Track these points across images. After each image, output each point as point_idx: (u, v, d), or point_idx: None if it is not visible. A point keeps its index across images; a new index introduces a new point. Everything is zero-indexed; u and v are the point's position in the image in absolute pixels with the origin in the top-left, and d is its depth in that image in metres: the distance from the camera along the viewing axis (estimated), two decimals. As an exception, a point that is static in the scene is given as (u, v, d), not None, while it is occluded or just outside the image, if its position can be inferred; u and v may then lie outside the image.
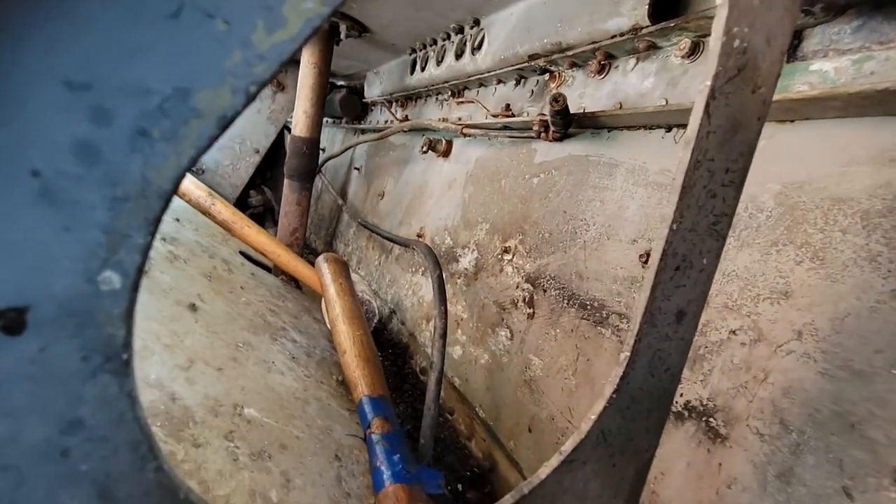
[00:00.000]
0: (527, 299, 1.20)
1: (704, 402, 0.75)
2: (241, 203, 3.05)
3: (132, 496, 0.29)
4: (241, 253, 1.83)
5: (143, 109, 0.24)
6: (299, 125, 2.01)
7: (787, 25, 0.47)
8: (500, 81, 1.59)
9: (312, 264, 1.77)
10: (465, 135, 1.52)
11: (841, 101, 0.63)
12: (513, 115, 1.40)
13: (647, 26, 0.95)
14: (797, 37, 0.74)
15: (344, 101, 2.86)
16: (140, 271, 0.25)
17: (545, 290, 1.15)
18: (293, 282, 1.84)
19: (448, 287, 1.53)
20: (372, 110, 2.91)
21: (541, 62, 1.29)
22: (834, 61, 0.69)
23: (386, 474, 0.85)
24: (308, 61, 1.97)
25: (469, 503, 1.06)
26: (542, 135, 1.18)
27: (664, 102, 0.95)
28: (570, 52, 1.18)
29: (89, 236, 0.24)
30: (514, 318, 1.23)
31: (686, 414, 0.77)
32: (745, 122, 0.47)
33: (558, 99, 1.02)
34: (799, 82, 0.72)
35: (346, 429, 1.00)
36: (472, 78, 1.64)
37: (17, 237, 0.23)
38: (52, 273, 0.23)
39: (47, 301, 0.24)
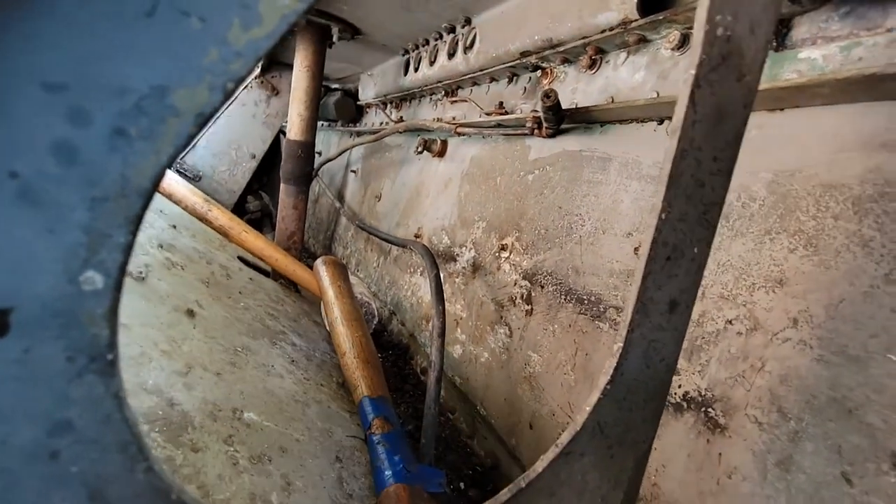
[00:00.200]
0: (525, 296, 1.20)
1: (703, 393, 0.75)
2: (239, 209, 3.05)
3: (123, 497, 0.29)
4: (240, 258, 1.83)
5: (121, 109, 0.24)
6: (294, 128, 2.01)
7: (771, 13, 0.47)
8: (492, 80, 1.59)
9: (311, 268, 1.77)
10: (459, 134, 1.53)
11: (830, 88, 0.63)
12: (506, 113, 1.40)
13: (636, 20, 0.95)
14: (786, 26, 0.74)
15: (339, 104, 2.86)
16: (122, 270, 0.25)
17: (542, 287, 1.15)
18: (292, 286, 1.84)
19: (446, 286, 1.53)
20: (367, 112, 2.91)
21: (532, 59, 1.29)
22: (822, 49, 0.69)
23: (387, 474, 0.85)
24: (301, 64, 1.98)
25: (471, 501, 1.06)
26: (536, 131, 1.18)
27: (655, 95, 0.95)
28: (561, 48, 1.18)
29: (70, 237, 0.24)
30: (513, 315, 1.23)
31: (685, 405, 0.77)
32: (732, 111, 0.47)
33: (550, 95, 1.03)
34: (788, 70, 0.72)
35: (346, 430, 1.00)
36: (465, 77, 1.64)
37: (-2, 239, 0.23)
38: (34, 274, 0.24)
39: (30, 302, 0.24)
